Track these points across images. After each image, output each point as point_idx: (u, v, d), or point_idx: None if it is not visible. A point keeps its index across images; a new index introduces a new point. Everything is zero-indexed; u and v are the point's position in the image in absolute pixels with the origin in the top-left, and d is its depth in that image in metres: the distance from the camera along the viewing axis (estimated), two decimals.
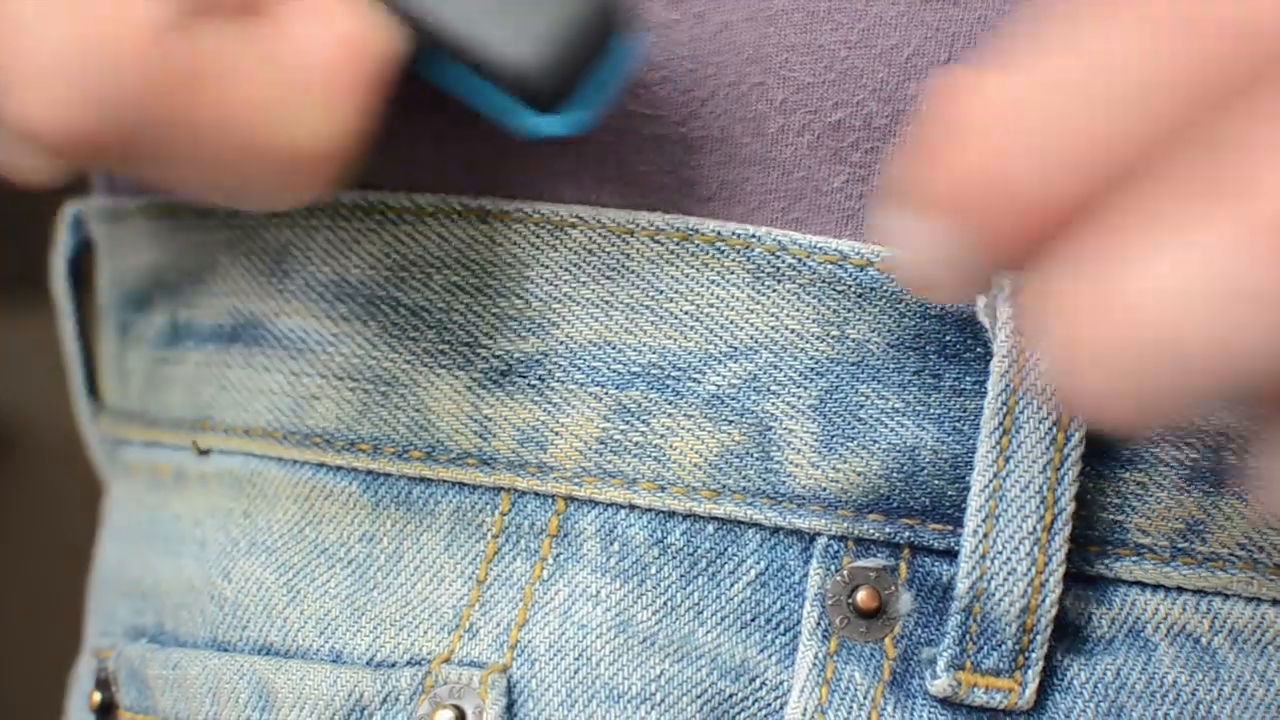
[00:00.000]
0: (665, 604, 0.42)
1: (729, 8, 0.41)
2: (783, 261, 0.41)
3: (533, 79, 0.38)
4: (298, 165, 0.36)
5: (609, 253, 0.42)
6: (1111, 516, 0.42)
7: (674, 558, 0.42)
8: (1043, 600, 0.41)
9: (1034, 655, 0.41)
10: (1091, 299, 0.29)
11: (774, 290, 0.41)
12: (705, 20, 0.41)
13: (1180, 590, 0.42)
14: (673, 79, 0.41)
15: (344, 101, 0.36)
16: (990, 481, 0.41)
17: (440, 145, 0.43)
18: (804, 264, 0.41)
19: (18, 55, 0.33)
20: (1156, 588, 0.42)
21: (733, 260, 0.41)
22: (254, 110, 0.35)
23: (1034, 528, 0.41)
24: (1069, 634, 0.42)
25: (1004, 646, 0.41)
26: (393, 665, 0.43)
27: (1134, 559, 0.42)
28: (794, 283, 0.41)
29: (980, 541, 0.41)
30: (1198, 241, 0.28)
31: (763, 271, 0.41)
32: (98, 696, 0.48)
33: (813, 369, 0.42)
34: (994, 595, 0.41)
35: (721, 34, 0.41)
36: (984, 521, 0.41)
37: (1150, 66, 0.29)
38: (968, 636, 0.41)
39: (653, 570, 0.42)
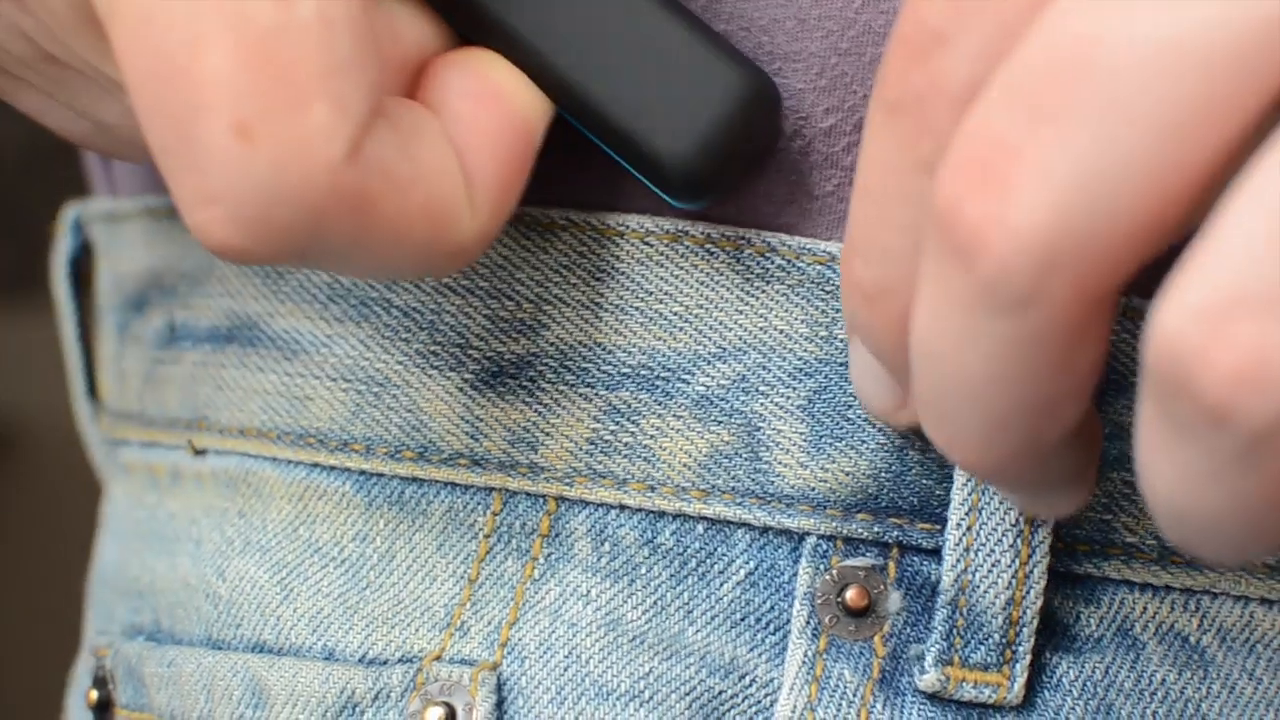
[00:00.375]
0: (655, 603, 0.42)
1: (724, 17, 0.41)
2: (772, 263, 0.41)
3: (681, 183, 0.39)
4: (463, 253, 0.37)
5: (599, 255, 0.42)
6: (1099, 516, 0.42)
7: (664, 557, 0.42)
8: (1027, 592, 0.41)
9: (1021, 649, 0.41)
10: None
11: (763, 292, 0.42)
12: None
13: (1169, 589, 0.42)
14: None
15: (507, 191, 0.38)
16: (973, 475, 0.41)
17: None
18: (793, 265, 0.41)
19: (202, 178, 0.34)
20: (1145, 587, 0.42)
21: (722, 262, 0.42)
22: (421, 218, 0.36)
23: (1016, 519, 0.41)
24: (1058, 633, 0.42)
25: (990, 640, 0.41)
26: (384, 663, 0.43)
27: (1122, 558, 0.42)
28: (783, 284, 0.41)
29: (964, 535, 0.41)
30: None
31: (752, 273, 0.41)
32: (95, 694, 0.48)
33: (801, 369, 0.42)
34: (979, 588, 0.41)
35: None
36: (967, 515, 0.41)
37: None
38: (954, 630, 0.41)
39: (643, 570, 0.42)
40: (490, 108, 0.38)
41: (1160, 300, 0.29)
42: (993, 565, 0.41)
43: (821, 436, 0.42)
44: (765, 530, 0.42)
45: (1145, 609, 0.42)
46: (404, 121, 0.36)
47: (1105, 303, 0.31)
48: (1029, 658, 0.41)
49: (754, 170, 0.40)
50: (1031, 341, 0.31)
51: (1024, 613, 0.41)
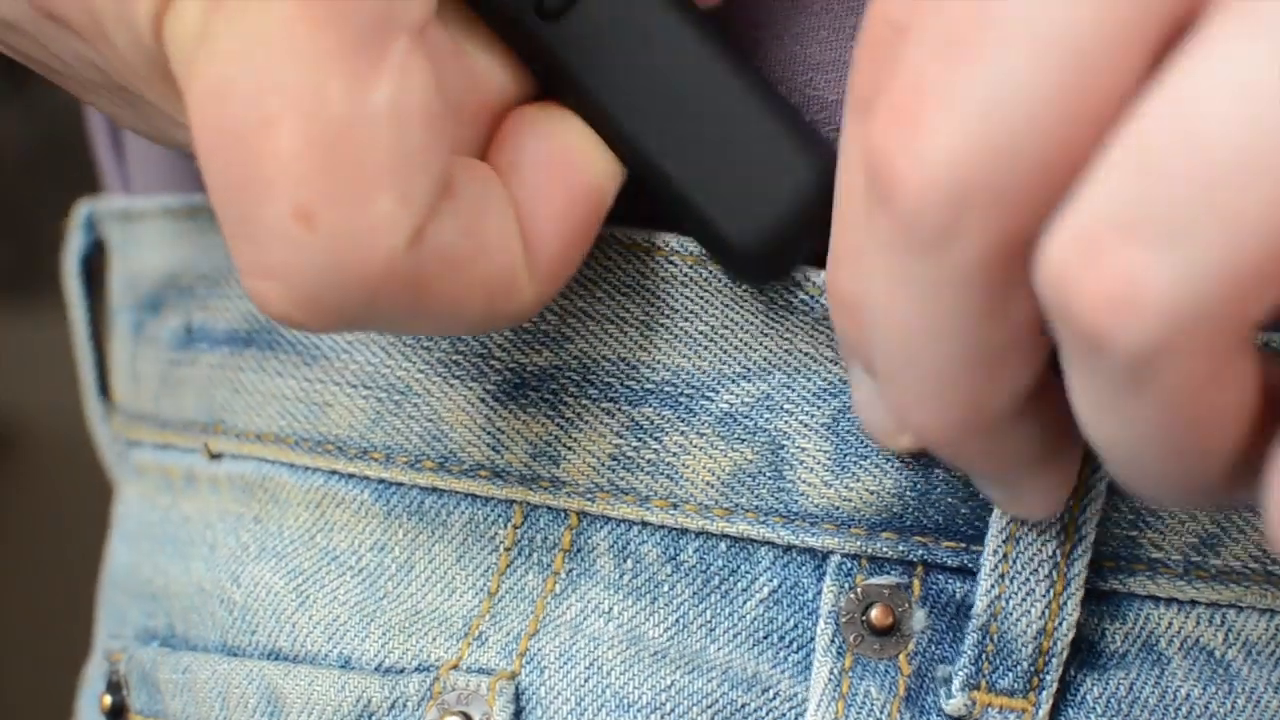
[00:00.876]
0: (677, 621, 0.42)
1: (757, 24, 0.41)
2: (796, 298, 0.41)
3: (745, 268, 0.39)
4: (519, 316, 0.38)
5: (625, 270, 0.42)
6: (1125, 532, 0.42)
7: (686, 575, 0.42)
8: (1060, 624, 0.41)
9: (1049, 677, 0.41)
10: None
11: (788, 318, 0.41)
12: (734, 37, 0.41)
13: (1194, 604, 0.42)
14: None
15: (569, 259, 0.38)
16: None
17: None
18: (817, 302, 0.41)
19: (260, 252, 0.34)
20: (1170, 601, 0.42)
21: (746, 290, 0.41)
22: (479, 292, 0.36)
23: (1054, 552, 0.41)
24: (1082, 649, 0.42)
25: (1019, 667, 0.41)
26: (401, 671, 0.43)
27: (1148, 574, 0.42)
28: (808, 316, 0.41)
29: (1000, 561, 0.41)
30: None
31: (776, 304, 0.41)
32: (109, 699, 0.48)
33: (826, 390, 0.41)
34: (1011, 615, 0.41)
35: (749, 52, 0.41)
36: (1004, 543, 0.41)
37: None
38: (984, 656, 0.41)
39: (665, 588, 0.42)
40: (561, 177, 0.38)
41: (1047, 232, 0.30)
42: (1027, 594, 0.41)
43: (846, 455, 0.41)
44: (789, 549, 0.42)
45: (1170, 624, 0.42)
46: (469, 195, 0.36)
47: (1026, 251, 0.31)
48: (1056, 685, 0.41)
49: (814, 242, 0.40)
50: (955, 284, 0.31)
51: (1055, 643, 0.41)
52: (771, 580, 0.42)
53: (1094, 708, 0.42)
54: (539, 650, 0.42)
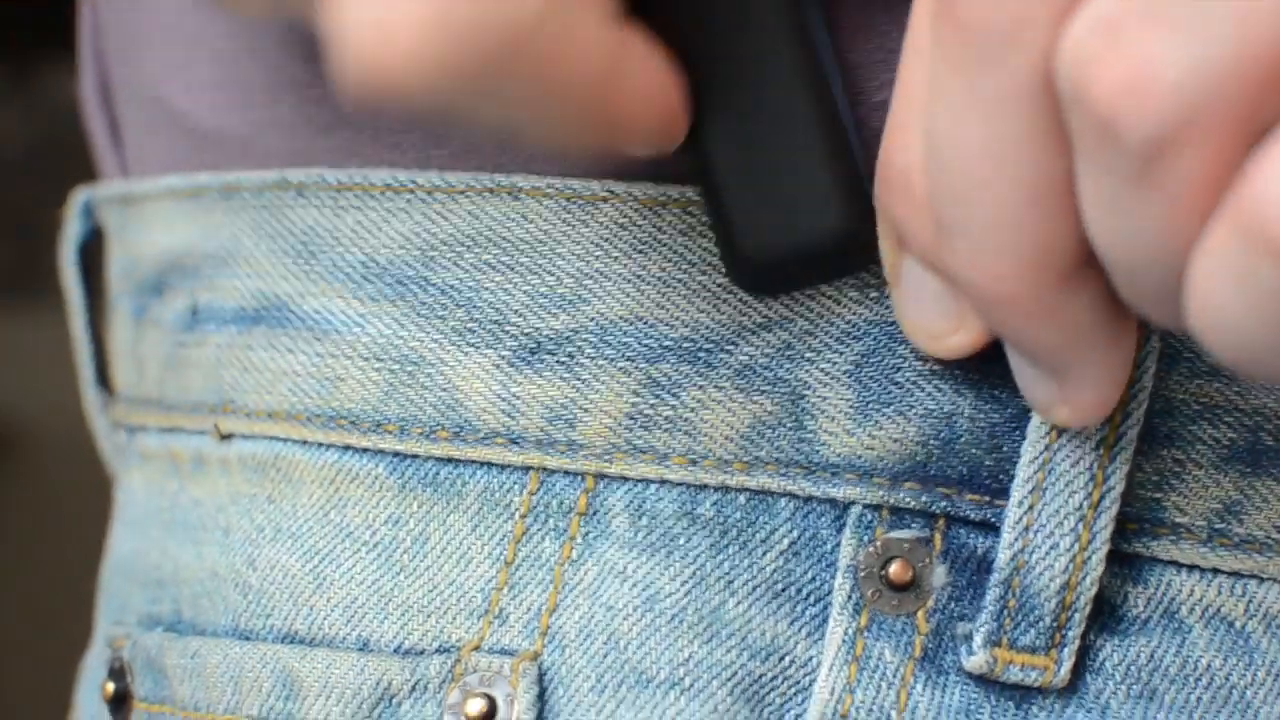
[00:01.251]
0: (694, 574, 0.42)
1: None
2: None
3: (741, 279, 0.39)
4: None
5: (640, 226, 0.42)
6: (1149, 494, 0.41)
7: (704, 528, 0.42)
8: (1083, 578, 0.41)
9: (1070, 634, 0.41)
10: None
11: None
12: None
13: (1216, 572, 0.42)
14: None
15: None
16: (1040, 454, 0.40)
17: None
18: None
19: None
20: (1192, 569, 0.42)
21: None
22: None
23: (1080, 504, 0.40)
24: (1103, 613, 0.42)
25: (1041, 623, 0.41)
26: (421, 653, 0.43)
27: (1171, 538, 0.42)
28: None
29: (1025, 513, 0.41)
30: None
31: None
32: (111, 686, 0.47)
33: (849, 332, 0.41)
34: (1034, 569, 0.41)
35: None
36: (1030, 493, 0.40)
37: None
38: (1005, 611, 0.41)
39: (681, 541, 0.42)
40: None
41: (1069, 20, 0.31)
42: (1051, 547, 0.40)
43: (869, 402, 0.41)
44: (809, 499, 0.42)
45: (1192, 591, 0.42)
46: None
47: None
48: (1078, 642, 0.41)
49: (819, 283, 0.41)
50: (1018, 99, 0.32)
51: (1078, 597, 0.41)
52: (791, 532, 0.42)
53: (1113, 674, 0.42)
54: (560, 627, 0.42)
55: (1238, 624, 0.42)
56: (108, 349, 0.53)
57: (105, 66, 0.53)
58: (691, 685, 0.41)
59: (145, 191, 0.49)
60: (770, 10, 0.38)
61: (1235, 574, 0.42)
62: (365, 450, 0.44)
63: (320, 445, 0.44)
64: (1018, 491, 0.41)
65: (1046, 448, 0.40)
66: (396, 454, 0.43)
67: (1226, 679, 0.42)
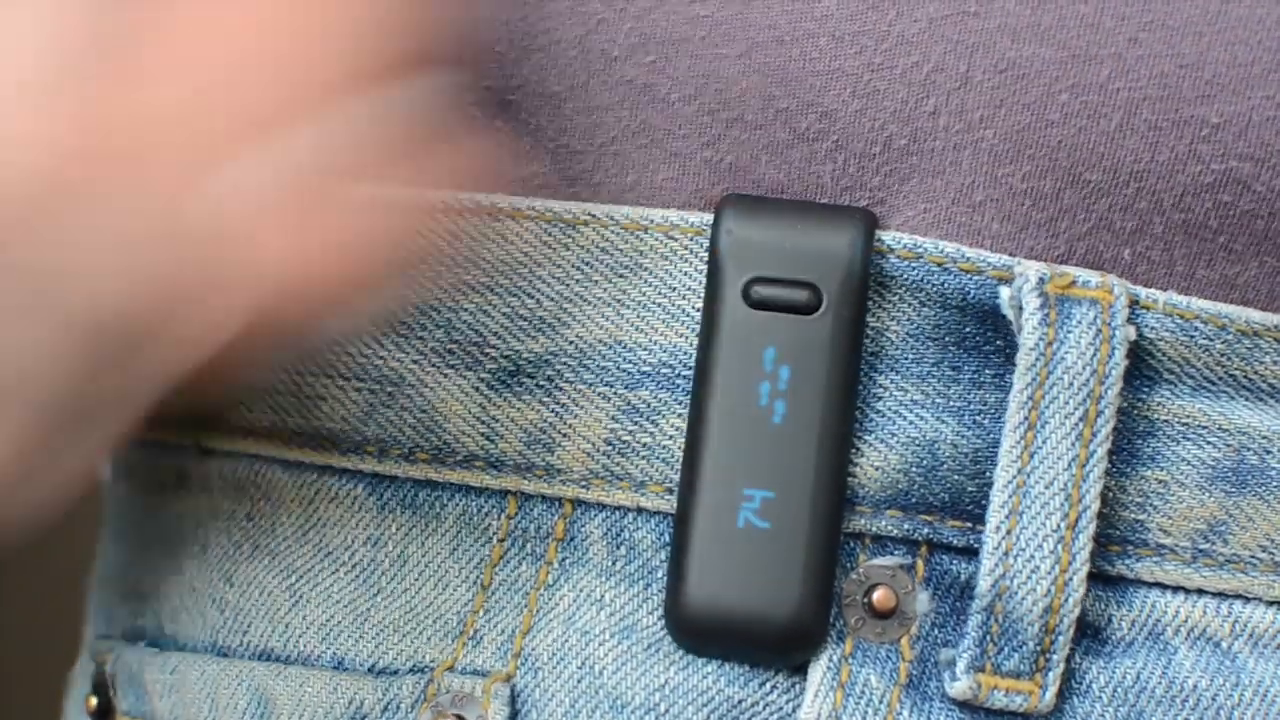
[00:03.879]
0: None
1: (758, 27, 0.41)
2: None
3: (684, 616, 0.40)
4: None
5: (621, 250, 0.42)
6: (1133, 515, 0.41)
7: None
8: (1066, 600, 0.40)
9: (1055, 657, 0.41)
10: None
11: None
12: (732, 39, 0.41)
13: (1201, 593, 0.42)
14: (698, 97, 0.41)
15: None
16: (1014, 477, 0.40)
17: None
18: None
19: None
20: (1177, 589, 0.42)
21: None
22: None
23: (1058, 525, 0.40)
24: (1088, 635, 0.42)
25: (1025, 648, 0.41)
26: (394, 673, 0.43)
27: (1155, 559, 0.41)
28: None
29: (1003, 539, 0.40)
30: None
31: None
32: (94, 700, 0.48)
33: None
34: (1016, 594, 0.40)
35: (748, 55, 0.41)
36: (1007, 518, 0.40)
37: None
38: (989, 637, 0.41)
39: (659, 573, 0.42)
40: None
41: None
42: (1032, 571, 0.40)
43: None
44: None
45: (1178, 612, 0.42)
46: None
47: None
48: (1062, 666, 0.41)
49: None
50: None
51: (1061, 620, 0.41)
52: None
53: (1099, 697, 0.41)
54: (533, 649, 0.42)
55: (1224, 644, 0.42)
56: None
57: None
58: (667, 711, 0.41)
59: None
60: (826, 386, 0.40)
61: (1220, 594, 0.42)
62: (344, 470, 0.43)
63: (300, 464, 0.44)
64: (994, 517, 0.40)
65: (1020, 471, 0.40)
66: (375, 475, 0.43)
67: (1213, 700, 0.42)
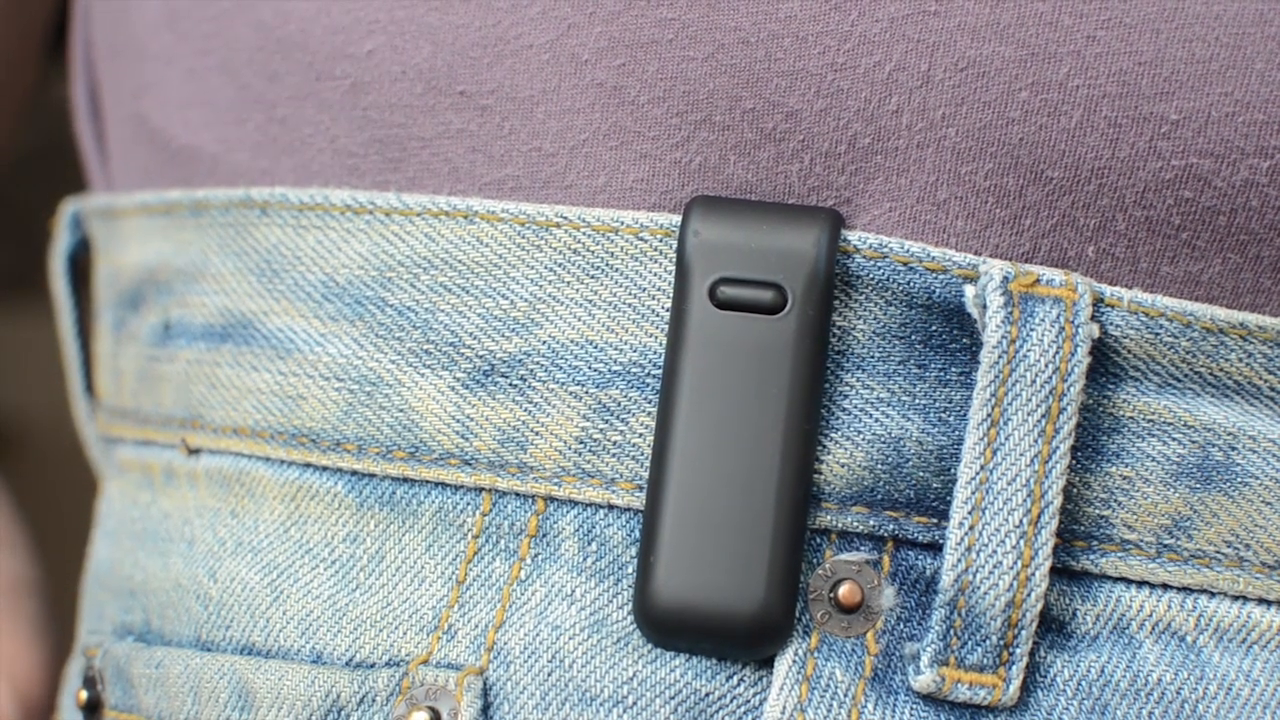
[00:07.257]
0: None
1: (724, 29, 0.41)
2: None
3: (651, 609, 0.41)
4: None
5: (593, 251, 0.42)
6: (1098, 511, 0.42)
7: None
8: (1028, 595, 0.41)
9: (1018, 651, 0.41)
10: None
11: None
12: (699, 41, 0.41)
13: (1166, 587, 0.42)
14: (667, 99, 0.42)
15: None
16: (977, 474, 0.41)
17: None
18: None
19: None
20: (1142, 584, 0.42)
21: None
22: None
23: (1020, 521, 0.41)
24: (1053, 630, 0.42)
25: (988, 642, 0.41)
26: (371, 666, 0.43)
27: (1120, 554, 0.42)
28: None
29: (966, 534, 0.41)
30: None
31: None
32: (84, 695, 0.48)
33: None
34: (979, 589, 0.41)
35: (714, 56, 0.41)
36: (970, 514, 0.41)
37: None
38: (952, 631, 0.41)
39: (629, 569, 0.42)
40: None
41: None
42: (994, 566, 0.41)
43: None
44: None
45: (1142, 607, 0.42)
46: None
47: None
48: (1026, 659, 0.41)
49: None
50: None
51: (1024, 615, 0.41)
52: None
53: (1064, 690, 0.42)
54: (506, 643, 0.42)
55: (1189, 639, 0.42)
56: (93, 358, 0.53)
57: (95, 78, 0.53)
58: (635, 703, 0.41)
59: (124, 206, 0.50)
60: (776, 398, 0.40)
61: (1185, 589, 0.42)
62: (325, 468, 0.44)
63: (282, 462, 0.44)
64: (957, 513, 0.41)
65: (982, 467, 0.40)
66: (355, 472, 0.44)
67: (1178, 694, 0.42)
